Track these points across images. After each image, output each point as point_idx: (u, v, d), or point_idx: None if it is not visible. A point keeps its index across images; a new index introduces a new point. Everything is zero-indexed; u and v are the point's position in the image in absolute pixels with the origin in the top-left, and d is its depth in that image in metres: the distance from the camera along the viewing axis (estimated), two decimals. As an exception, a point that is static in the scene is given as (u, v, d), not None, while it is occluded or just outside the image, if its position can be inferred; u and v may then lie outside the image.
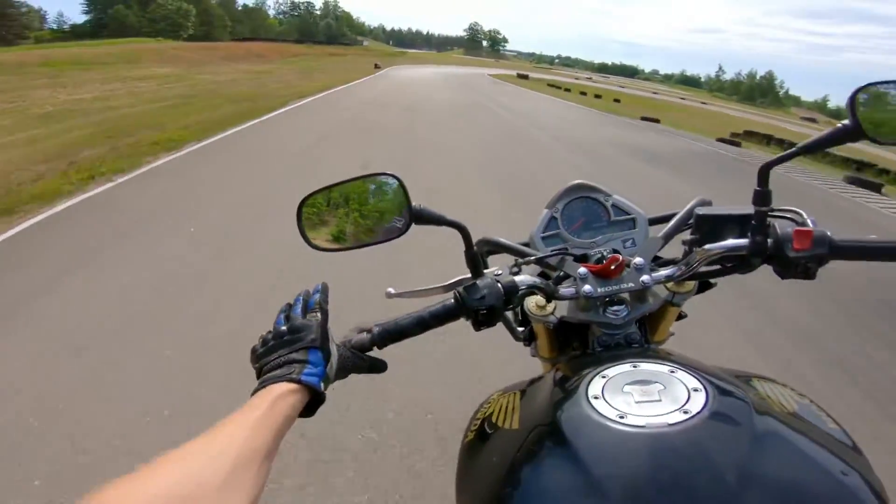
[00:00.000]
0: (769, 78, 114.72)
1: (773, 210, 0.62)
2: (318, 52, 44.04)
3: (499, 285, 0.61)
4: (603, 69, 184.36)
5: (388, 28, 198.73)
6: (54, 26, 69.32)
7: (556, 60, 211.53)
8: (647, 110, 20.14)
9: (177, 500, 0.34)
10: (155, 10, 57.41)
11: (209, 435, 0.40)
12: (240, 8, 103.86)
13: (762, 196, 0.60)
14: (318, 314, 0.55)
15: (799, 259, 0.58)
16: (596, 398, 0.47)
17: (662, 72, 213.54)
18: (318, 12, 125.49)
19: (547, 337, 0.73)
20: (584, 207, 0.77)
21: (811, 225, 0.59)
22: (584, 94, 27.43)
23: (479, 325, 0.61)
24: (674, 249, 0.70)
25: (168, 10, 57.83)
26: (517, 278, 0.63)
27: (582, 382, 0.50)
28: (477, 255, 0.65)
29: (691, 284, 0.67)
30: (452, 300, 0.61)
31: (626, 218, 0.75)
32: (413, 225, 0.62)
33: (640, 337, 0.67)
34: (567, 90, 30.22)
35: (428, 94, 16.43)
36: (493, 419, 0.58)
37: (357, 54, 51.38)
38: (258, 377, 0.51)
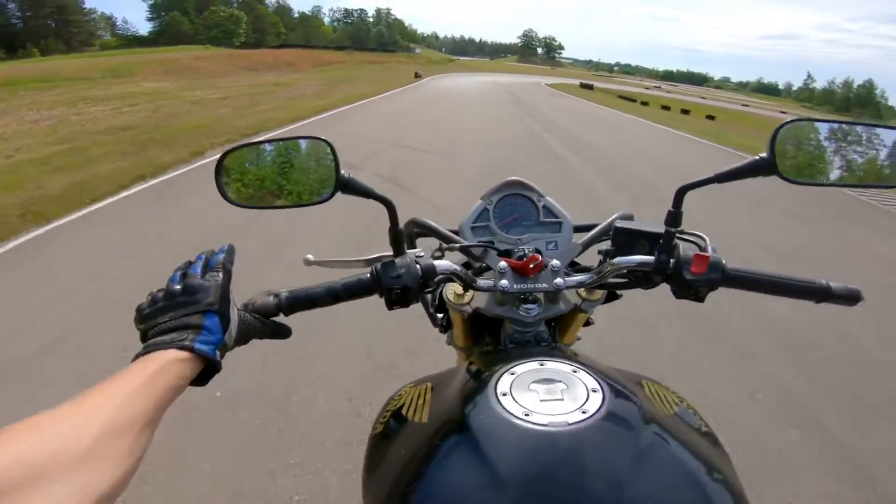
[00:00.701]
0: (868, 87, 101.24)
1: (682, 232, 0.65)
2: (359, 60, 41.48)
3: (417, 266, 0.61)
4: (668, 77, 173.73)
5: (442, 36, 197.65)
6: (120, 33, 71.90)
7: (616, 68, 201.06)
8: (756, 131, 15.02)
9: (28, 469, 0.31)
10: (208, 16, 57.39)
11: (75, 402, 0.37)
12: (295, 15, 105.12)
13: (673, 217, 0.62)
14: (220, 274, 0.51)
15: (693, 282, 0.60)
16: (504, 395, 0.49)
17: (734, 79, 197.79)
18: (371, 20, 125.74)
19: (462, 327, 0.75)
20: (516, 204, 0.78)
21: (710, 251, 0.62)
22: (666, 108, 22.57)
23: (391, 303, 0.61)
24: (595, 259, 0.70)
25: (220, 17, 57.60)
26: (437, 263, 0.63)
27: (491, 379, 0.51)
28: (400, 234, 0.64)
29: (600, 293, 0.71)
30: (368, 275, 0.61)
31: (553, 220, 0.78)
32: (339, 193, 0.61)
33: (549, 337, 0.69)
34: (644, 104, 24.88)
35: (463, 116, 12.14)
36: (403, 412, 0.57)
37: (401, 62, 48.55)
38: (143, 340, 0.47)
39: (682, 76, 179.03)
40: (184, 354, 0.44)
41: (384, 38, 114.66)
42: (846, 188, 0.71)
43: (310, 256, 0.71)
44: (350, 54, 47.70)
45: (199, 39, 56.01)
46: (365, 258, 0.70)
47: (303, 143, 0.65)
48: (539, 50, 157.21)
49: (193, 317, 0.46)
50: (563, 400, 0.48)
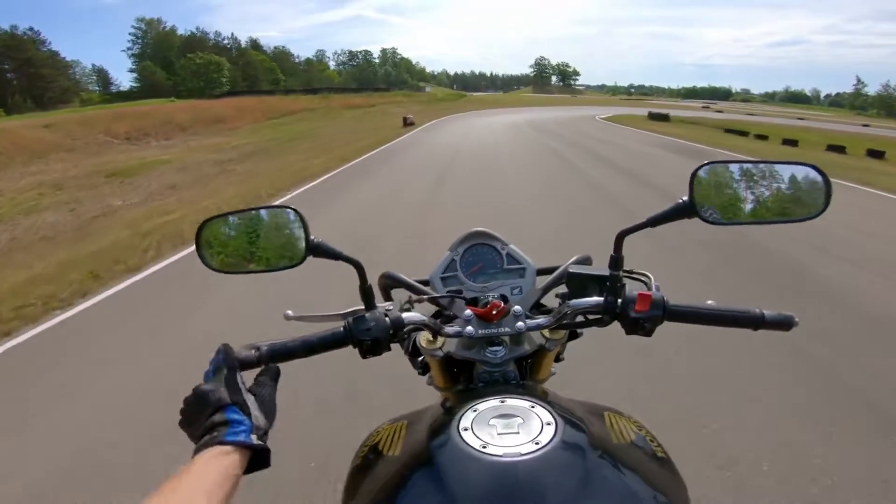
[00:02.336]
0: None
1: (628, 272, 0.70)
2: (336, 105, 33.32)
3: (386, 319, 0.65)
4: (691, 94, 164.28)
5: (452, 73, 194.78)
6: (99, 88, 67.10)
7: (633, 90, 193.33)
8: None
9: None
10: (185, 65, 51.29)
11: None
12: (297, 60, 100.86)
13: (615, 261, 0.67)
14: (224, 371, 0.56)
15: (638, 319, 0.64)
16: (465, 430, 0.52)
17: (753, 90, 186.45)
18: (378, 60, 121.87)
19: (439, 369, 0.79)
20: (482, 253, 0.83)
21: (654, 290, 0.66)
22: (792, 143, 16.19)
23: (364, 353, 0.66)
24: None
25: (198, 65, 51.36)
26: (405, 315, 0.68)
27: (456, 415, 0.55)
28: (370, 290, 0.69)
29: (562, 333, 0.75)
30: (341, 328, 0.65)
31: (517, 267, 0.82)
32: (310, 257, 0.66)
33: (516, 375, 0.73)
34: (761, 137, 17.47)
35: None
36: (379, 447, 0.61)
37: (395, 102, 39.95)
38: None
39: (706, 92, 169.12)
40: (225, 448, 0.48)
41: (391, 79, 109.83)
42: (761, 225, 0.69)
43: (289, 312, 0.73)
44: (326, 98, 39.66)
45: (180, 91, 49.37)
46: (340, 312, 0.71)
47: (272, 213, 0.70)
48: (553, 78, 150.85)
49: (216, 415, 0.51)
50: (518, 433, 0.51)
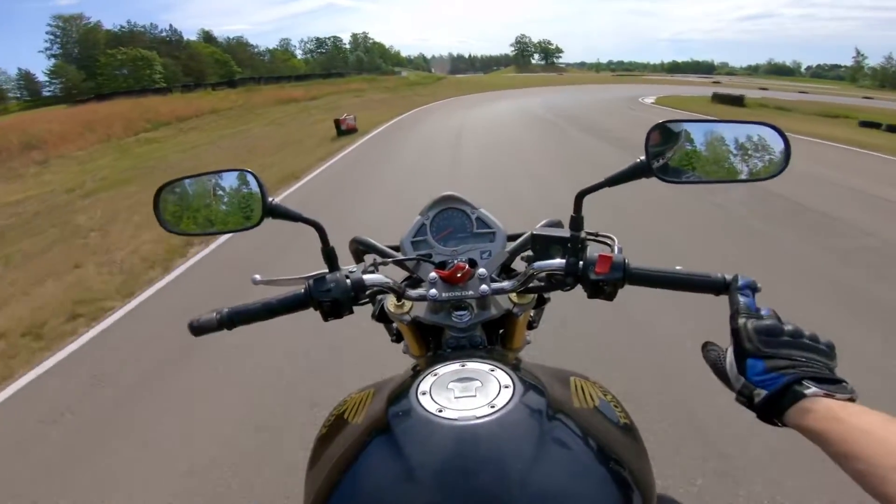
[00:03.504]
0: None
1: (591, 235, 0.70)
2: (262, 101, 23.52)
3: (347, 281, 0.65)
4: (675, 69, 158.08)
5: (430, 56, 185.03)
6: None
7: (613, 67, 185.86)
8: None
9: None
10: (106, 62, 43.02)
11: None
12: (258, 50, 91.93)
13: (575, 222, 0.66)
14: None
15: (598, 281, 0.63)
16: (423, 394, 0.53)
17: (732, 64, 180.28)
18: (348, 46, 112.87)
19: (412, 336, 0.79)
20: (452, 217, 0.82)
21: (616, 252, 0.65)
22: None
23: (326, 315, 0.66)
24: None
25: (121, 61, 43.12)
26: (367, 276, 0.67)
27: (416, 380, 0.55)
28: (332, 252, 0.69)
29: (530, 297, 0.74)
30: (302, 290, 0.65)
31: (487, 231, 0.81)
32: (267, 219, 0.66)
33: (483, 340, 0.73)
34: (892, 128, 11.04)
35: None
36: (345, 416, 0.61)
37: (349, 92, 29.79)
38: None
39: (689, 67, 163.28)
40: None
41: (364, 65, 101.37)
42: (716, 184, 0.67)
43: (257, 276, 0.72)
44: (250, 90, 28.96)
45: (104, 92, 41.21)
46: (305, 276, 0.70)
47: (229, 175, 0.69)
48: (535, 57, 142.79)
49: None
50: (475, 396, 0.51)
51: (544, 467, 0.44)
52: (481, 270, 0.71)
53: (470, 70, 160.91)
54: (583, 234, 0.66)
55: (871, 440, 0.38)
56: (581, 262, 0.64)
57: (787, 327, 0.50)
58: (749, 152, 0.64)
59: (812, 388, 0.44)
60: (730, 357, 0.52)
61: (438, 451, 0.46)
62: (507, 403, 0.49)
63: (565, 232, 0.68)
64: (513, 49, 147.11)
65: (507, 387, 0.52)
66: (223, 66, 66.41)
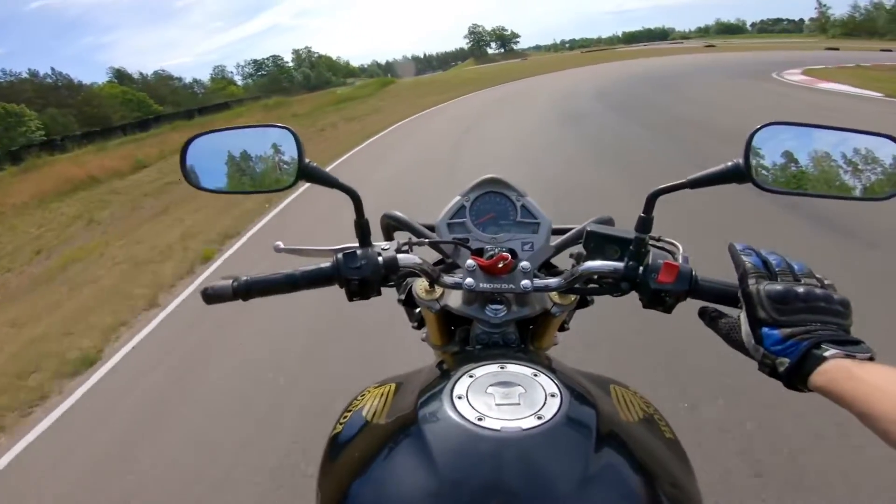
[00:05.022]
0: None
1: (657, 239, 0.64)
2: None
3: (379, 259, 0.60)
4: (632, 39, 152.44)
5: (384, 62, 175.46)
6: None
7: (566, 46, 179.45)
8: None
9: None
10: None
11: None
12: (186, 83, 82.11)
13: (644, 223, 0.60)
14: None
15: (659, 291, 0.57)
16: (460, 398, 0.48)
17: (682, 29, 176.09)
18: (291, 64, 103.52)
19: (436, 324, 0.74)
20: (495, 202, 0.75)
21: (682, 261, 0.59)
22: None
23: (351, 294, 0.61)
24: None
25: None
26: (400, 256, 0.62)
27: (449, 381, 0.50)
28: (366, 225, 0.64)
29: (572, 298, 0.69)
30: (329, 264, 0.60)
31: (531, 221, 0.74)
32: (301, 181, 0.61)
33: (517, 339, 0.69)
34: None
35: None
36: (364, 413, 0.56)
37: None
38: None
39: (643, 35, 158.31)
40: None
41: (311, 81, 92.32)
42: (825, 199, 0.59)
43: (279, 243, 0.68)
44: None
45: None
46: (333, 248, 0.65)
47: (267, 131, 0.64)
48: (492, 46, 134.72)
49: None
50: (519, 404, 0.47)
51: (597, 487, 0.41)
52: (524, 263, 0.65)
53: (428, 70, 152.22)
54: (648, 237, 0.61)
55: (888, 397, 0.37)
56: (642, 268, 0.59)
57: (800, 290, 0.48)
58: (859, 166, 0.57)
59: (831, 350, 0.43)
60: (745, 327, 0.50)
61: (479, 465, 0.42)
62: (556, 415, 0.45)
63: (629, 232, 0.62)
64: (468, 41, 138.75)
65: (553, 395, 0.48)
66: (139, 106, 56.74)
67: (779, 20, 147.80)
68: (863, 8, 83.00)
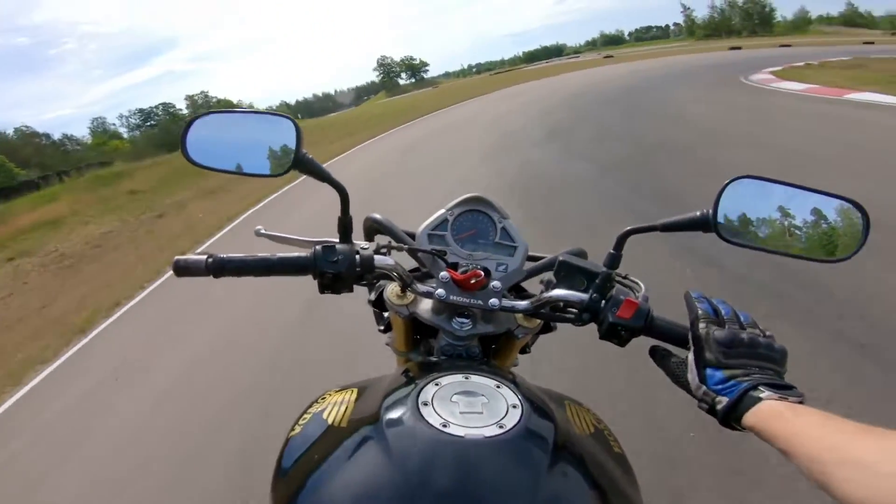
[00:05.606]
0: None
1: (621, 276, 0.67)
2: None
3: (357, 256, 0.62)
4: (532, 58, 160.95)
5: (293, 102, 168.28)
6: None
7: (474, 70, 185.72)
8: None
9: None
10: None
11: None
12: (57, 138, 70.97)
13: (613, 259, 0.63)
14: None
15: (615, 325, 0.60)
16: (425, 404, 0.49)
17: (573, 44, 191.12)
18: (185, 111, 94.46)
19: (403, 330, 0.76)
20: (477, 220, 0.76)
21: (641, 300, 0.62)
22: None
23: (323, 287, 0.63)
24: None
25: None
26: (378, 257, 0.64)
27: (415, 388, 0.52)
28: (350, 222, 0.66)
29: (537, 322, 0.72)
30: (308, 254, 0.62)
31: (509, 244, 0.75)
32: (294, 171, 0.62)
33: (479, 353, 0.70)
34: None
35: None
36: (324, 415, 0.57)
37: None
38: None
39: (542, 53, 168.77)
40: None
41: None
42: (785, 256, 0.61)
43: (260, 228, 0.69)
44: None
45: None
46: (313, 239, 0.67)
47: (268, 119, 0.67)
48: (403, 77, 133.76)
49: None
50: (482, 413, 0.49)
51: (551, 496, 0.44)
52: (496, 283, 0.68)
53: (340, 108, 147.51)
54: (615, 273, 0.64)
55: (809, 438, 0.41)
56: (604, 301, 0.62)
57: (744, 336, 0.52)
58: (823, 227, 0.59)
59: (766, 393, 0.47)
60: (691, 366, 0.55)
61: (442, 469, 0.43)
62: (517, 425, 0.47)
63: (598, 267, 0.65)
64: (378, 73, 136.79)
65: (514, 406, 0.50)
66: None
67: (649, 28, 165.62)
68: (719, 8, 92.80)
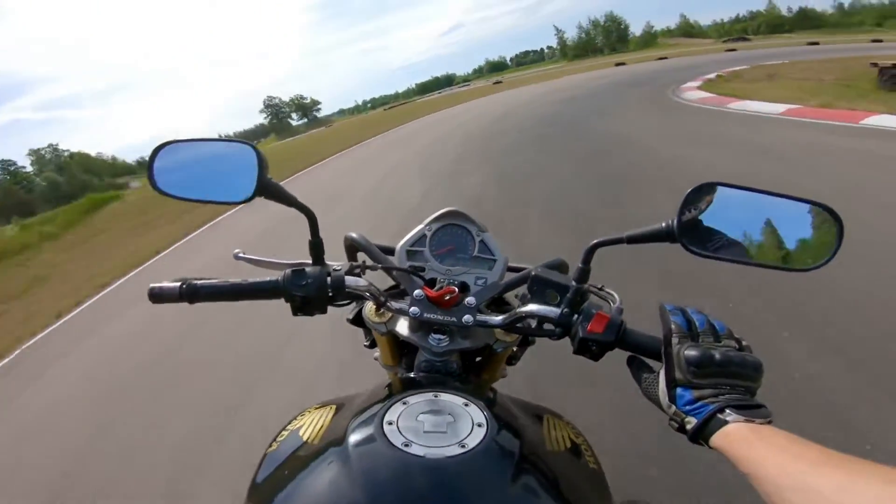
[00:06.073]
0: (614, 18, 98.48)
1: (596, 287, 0.67)
2: None
3: (327, 278, 0.62)
4: (426, 89, 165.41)
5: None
6: None
7: (369, 105, 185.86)
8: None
9: None
10: None
11: None
12: None
13: (581, 273, 0.62)
14: None
15: (586, 339, 0.59)
16: (390, 424, 0.50)
17: (461, 73, 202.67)
18: (31, 170, 79.14)
19: (387, 346, 0.76)
20: (455, 234, 0.76)
21: (614, 312, 0.61)
22: None
23: (296, 310, 0.62)
24: None
25: None
26: (349, 278, 0.64)
27: (382, 407, 0.53)
28: (320, 244, 0.66)
29: (515, 336, 0.71)
30: (278, 278, 0.62)
31: (488, 257, 0.75)
32: (259, 197, 0.62)
33: (458, 368, 0.70)
34: None
35: None
36: (301, 432, 0.58)
37: None
38: None
39: (433, 84, 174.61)
40: None
41: (61, 189, 70.82)
42: (750, 266, 0.58)
43: (238, 251, 0.70)
44: None
45: None
46: (288, 262, 0.67)
47: (229, 146, 0.67)
48: (293, 116, 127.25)
49: None
50: (446, 433, 0.49)
51: None
52: (470, 299, 0.67)
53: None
54: (585, 287, 0.63)
55: (772, 462, 0.42)
56: (576, 316, 0.61)
57: (716, 355, 0.51)
58: (790, 233, 0.57)
59: (733, 416, 0.48)
60: (662, 385, 0.54)
61: (400, 488, 0.43)
62: (479, 444, 0.48)
63: (567, 280, 0.64)
64: (266, 115, 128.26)
65: (480, 425, 0.50)
66: None
67: (528, 52, 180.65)
68: (585, 28, 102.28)
